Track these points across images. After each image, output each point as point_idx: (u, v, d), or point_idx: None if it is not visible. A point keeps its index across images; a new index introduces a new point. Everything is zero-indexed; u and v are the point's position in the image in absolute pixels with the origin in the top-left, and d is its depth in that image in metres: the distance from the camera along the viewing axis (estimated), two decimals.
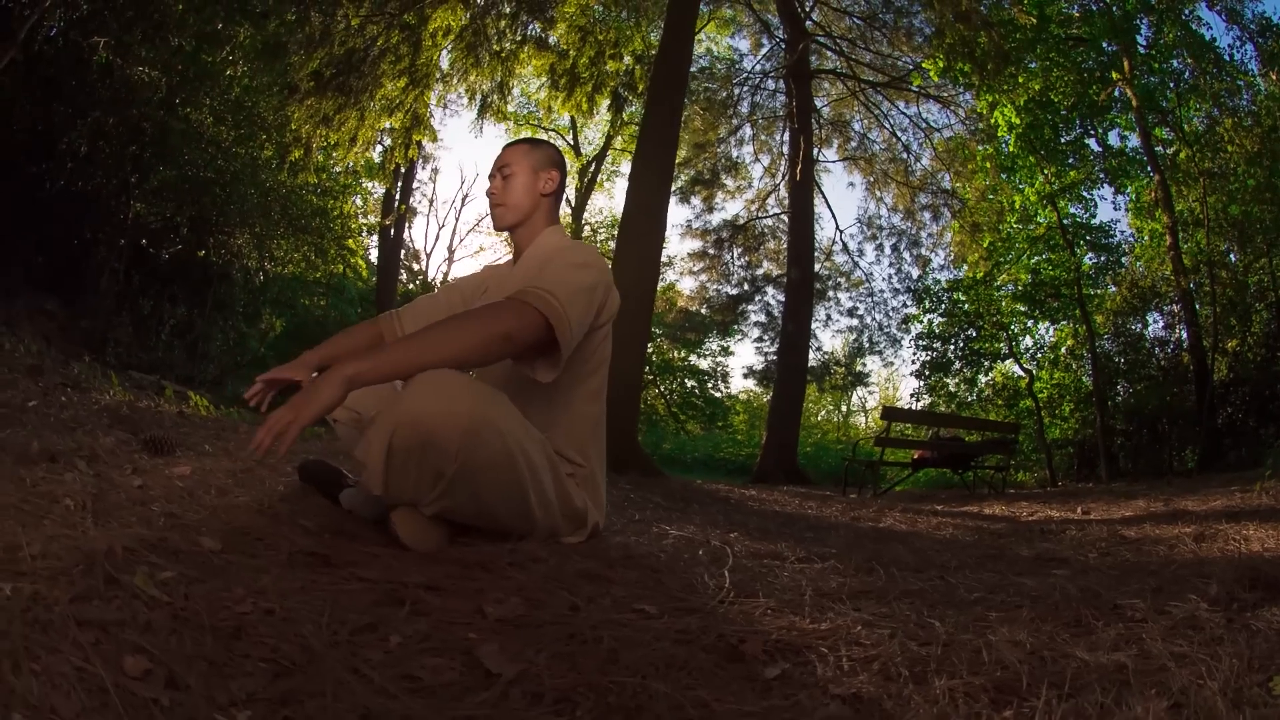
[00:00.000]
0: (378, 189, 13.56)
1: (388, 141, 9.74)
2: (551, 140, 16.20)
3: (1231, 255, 10.98)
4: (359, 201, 12.36)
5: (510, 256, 2.23)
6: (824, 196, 13.39)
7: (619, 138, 13.49)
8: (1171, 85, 10.92)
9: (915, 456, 8.99)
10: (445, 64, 8.85)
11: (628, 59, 9.65)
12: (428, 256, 22.75)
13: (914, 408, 12.74)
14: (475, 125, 8.85)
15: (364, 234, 13.46)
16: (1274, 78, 10.35)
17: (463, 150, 53.72)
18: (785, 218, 12.20)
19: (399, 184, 12.08)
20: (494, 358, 1.64)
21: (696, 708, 0.80)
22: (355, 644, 0.96)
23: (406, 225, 15.54)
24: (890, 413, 9.00)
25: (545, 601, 1.23)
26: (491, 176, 2.07)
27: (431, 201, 22.68)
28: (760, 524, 3.49)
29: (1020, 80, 9.78)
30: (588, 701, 0.82)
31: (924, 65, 10.01)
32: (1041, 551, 2.53)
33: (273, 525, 1.57)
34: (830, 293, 14.67)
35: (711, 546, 2.13)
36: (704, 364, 19.04)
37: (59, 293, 7.83)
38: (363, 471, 1.56)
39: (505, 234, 2.24)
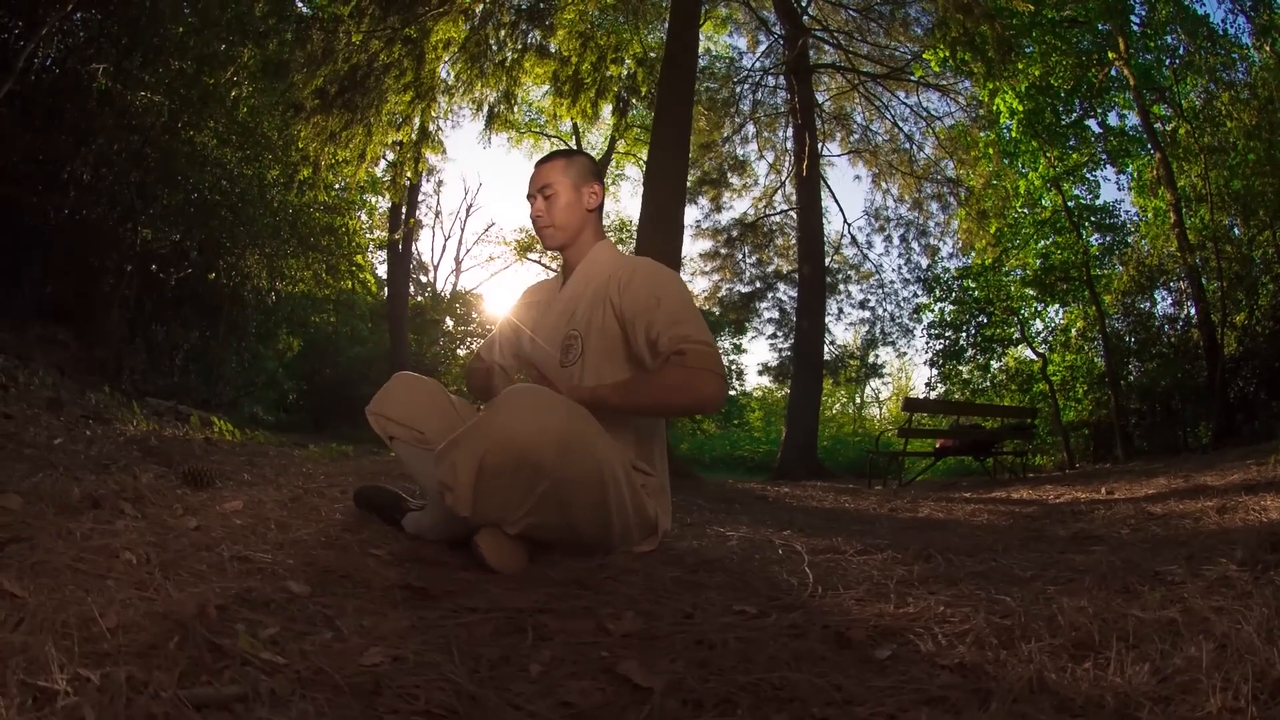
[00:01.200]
0: (381, 204, 13.63)
1: (390, 156, 9.73)
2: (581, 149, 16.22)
3: (1235, 229, 11.01)
4: (364, 217, 12.36)
5: (554, 274, 2.25)
6: (830, 190, 13.41)
7: (622, 141, 13.48)
8: (1167, 62, 10.94)
9: (937, 445, 9.03)
10: (450, 77, 8.82)
11: (629, 63, 9.66)
12: (435, 268, 22.75)
13: (929, 397, 12.74)
14: (483, 136, 8.80)
15: (372, 249, 13.50)
16: (1268, 50, 10.39)
17: (465, 161, 53.32)
18: (794, 214, 12.20)
19: (392, 196, 12.05)
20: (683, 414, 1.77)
21: (836, 691, 0.87)
22: (498, 678, 0.95)
23: (414, 238, 15.57)
24: (911, 403, 9.03)
25: (657, 612, 1.26)
26: (532, 198, 2.05)
27: (438, 214, 22.66)
28: (806, 521, 3.53)
29: (1020, 66, 9.79)
30: (745, 701, 0.86)
31: (925, 56, 10.01)
32: (1077, 531, 2.65)
33: (349, 559, 1.54)
34: (841, 286, 14.68)
35: (775, 545, 2.20)
36: None
37: (70, 322, 7.81)
38: (447, 494, 1.55)
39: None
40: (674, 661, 0.98)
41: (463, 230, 41.26)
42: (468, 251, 38.59)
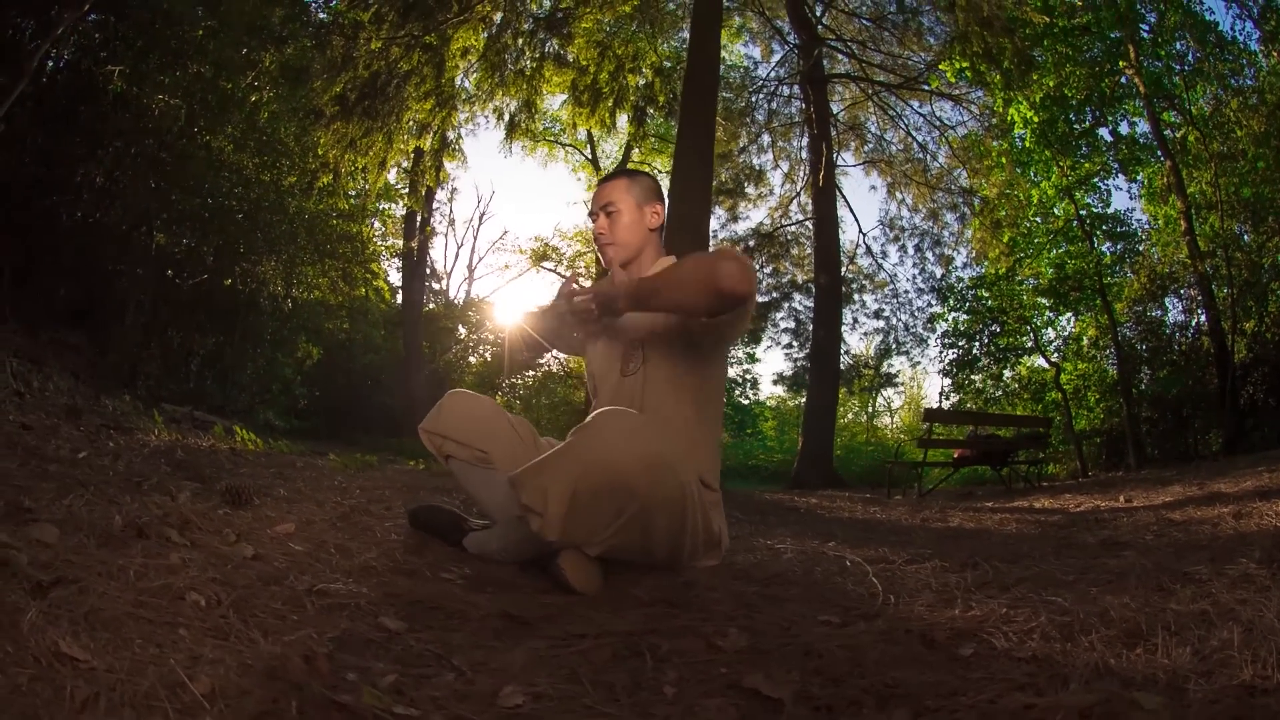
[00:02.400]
0: (395, 210, 13.59)
1: (404, 164, 9.73)
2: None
3: (1245, 236, 11.05)
4: (377, 225, 12.34)
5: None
6: (845, 200, 13.45)
7: (637, 150, 13.49)
8: (1176, 68, 11.00)
9: (955, 455, 9.04)
10: (470, 85, 8.83)
11: (647, 72, 9.69)
12: (448, 276, 22.68)
13: (941, 406, 12.77)
14: (504, 145, 8.81)
15: (386, 257, 13.46)
16: (1276, 56, 10.44)
17: (477, 168, 53.19)
18: (809, 224, 12.21)
19: (413, 205, 12.04)
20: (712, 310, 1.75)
21: (940, 686, 0.97)
22: (639, 704, 0.96)
23: (428, 246, 15.57)
24: (931, 414, 9.05)
25: (756, 627, 1.30)
26: (594, 215, 2.08)
27: (452, 222, 22.58)
28: (846, 532, 3.55)
29: (1035, 77, 9.84)
30: (869, 701, 0.93)
31: (941, 67, 10.04)
32: (1105, 538, 2.79)
33: (431, 587, 1.51)
34: (856, 295, 14.67)
35: (829, 558, 2.28)
36: (733, 371, 19.04)
37: (84, 326, 7.73)
38: (533, 519, 1.54)
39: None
40: (790, 672, 1.04)
41: (475, 237, 41.12)
42: (480, 259, 38.37)
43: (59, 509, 1.53)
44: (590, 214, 2.10)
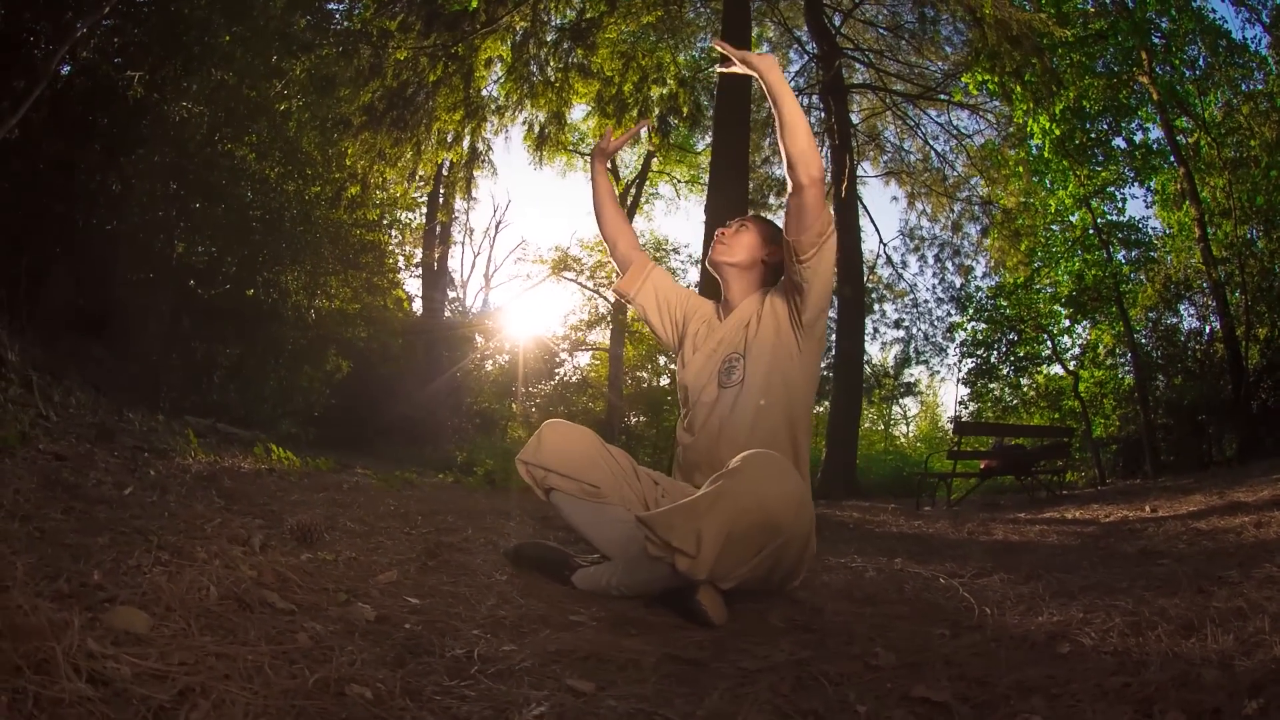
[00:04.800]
0: (414, 219, 13.54)
1: (421, 173, 9.68)
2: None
3: (1258, 242, 11.13)
4: (395, 234, 12.27)
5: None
6: (866, 210, 13.46)
7: (656, 159, 13.50)
8: (1187, 73, 11.08)
9: (982, 466, 9.09)
10: (500, 96, 8.80)
11: (670, 83, 9.69)
12: (464, 285, 22.63)
13: (961, 415, 12.83)
14: (534, 157, 8.78)
15: (405, 266, 13.39)
16: None
17: (493, 179, 53.53)
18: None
19: (441, 216, 11.99)
20: (797, 177, 1.89)
21: (1057, 677, 1.13)
22: None
23: (447, 255, 15.53)
24: (962, 427, 9.12)
25: (893, 644, 1.41)
26: (727, 223, 2.22)
27: (471, 231, 22.50)
28: (904, 547, 3.62)
29: (1055, 89, 9.88)
30: (1013, 695, 1.07)
31: (964, 79, 10.08)
32: (1142, 548, 3.02)
33: (580, 637, 1.46)
34: (876, 305, 14.70)
35: (907, 574, 2.45)
36: None
37: (103, 336, 7.59)
38: (681, 559, 1.55)
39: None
40: (939, 679, 1.16)
41: (492, 247, 41.03)
42: (496, 268, 38.48)
43: (132, 579, 1.27)
44: (724, 221, 2.23)
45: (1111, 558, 2.79)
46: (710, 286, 6.85)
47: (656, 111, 9.49)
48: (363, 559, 1.90)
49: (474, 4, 7.34)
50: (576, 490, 2.00)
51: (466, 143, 8.57)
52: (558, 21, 9.03)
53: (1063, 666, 1.21)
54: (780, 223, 2.35)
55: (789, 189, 1.93)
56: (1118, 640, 1.33)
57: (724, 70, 2.10)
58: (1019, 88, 8.22)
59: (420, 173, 9.53)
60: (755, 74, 1.98)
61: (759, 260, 2.15)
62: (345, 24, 8.59)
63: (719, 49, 2.05)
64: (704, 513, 1.54)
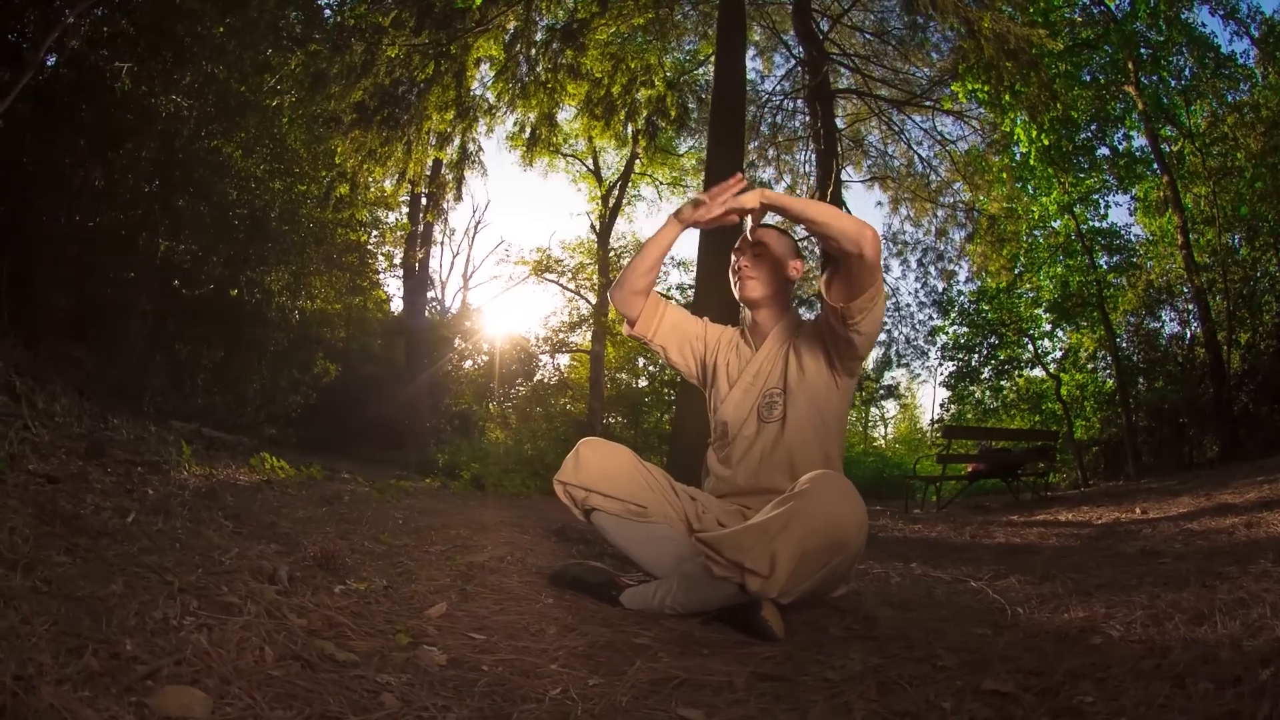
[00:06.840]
0: (391, 218, 13.42)
1: (410, 172, 9.55)
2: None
3: (1240, 249, 11.34)
4: (375, 234, 12.12)
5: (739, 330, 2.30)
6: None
7: (639, 160, 13.46)
8: (1173, 83, 11.27)
9: (969, 469, 9.17)
10: (491, 97, 8.72)
11: (658, 85, 9.67)
12: (443, 285, 22.44)
13: (943, 418, 12.93)
14: (524, 158, 8.72)
15: (386, 266, 13.25)
16: (1274, 74, 10.72)
17: (472, 179, 53.32)
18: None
19: (429, 217, 11.84)
20: (847, 251, 1.82)
21: (1097, 665, 1.26)
22: None
23: (428, 256, 15.38)
24: (950, 430, 9.17)
25: (949, 646, 1.50)
26: (741, 250, 2.14)
27: (450, 232, 22.33)
28: (915, 552, 3.65)
29: (1051, 102, 9.97)
30: (1067, 682, 1.18)
31: (954, 88, 10.16)
32: (1141, 548, 3.16)
33: (663, 662, 1.43)
34: None
35: (930, 579, 2.54)
36: None
37: (85, 338, 7.37)
38: (752, 579, 1.59)
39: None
40: (999, 674, 1.26)
41: (471, 246, 40.82)
42: (476, 268, 38.22)
43: (168, 642, 1.07)
44: (736, 249, 2.15)
45: (1115, 558, 2.90)
46: (708, 294, 6.83)
47: (645, 112, 9.43)
48: (398, 588, 1.84)
49: (477, 1, 7.26)
50: (620, 510, 2.00)
51: (457, 142, 8.46)
52: (548, 22, 8.98)
53: (1100, 655, 1.34)
54: (780, 223, 2.33)
55: (836, 260, 1.90)
56: (1141, 630, 1.47)
57: (751, 229, 2.08)
58: (1008, 96, 8.28)
59: (409, 173, 9.39)
60: (754, 211, 1.97)
61: (784, 280, 2.16)
62: (338, 19, 8.49)
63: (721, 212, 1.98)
64: (777, 534, 1.58)
